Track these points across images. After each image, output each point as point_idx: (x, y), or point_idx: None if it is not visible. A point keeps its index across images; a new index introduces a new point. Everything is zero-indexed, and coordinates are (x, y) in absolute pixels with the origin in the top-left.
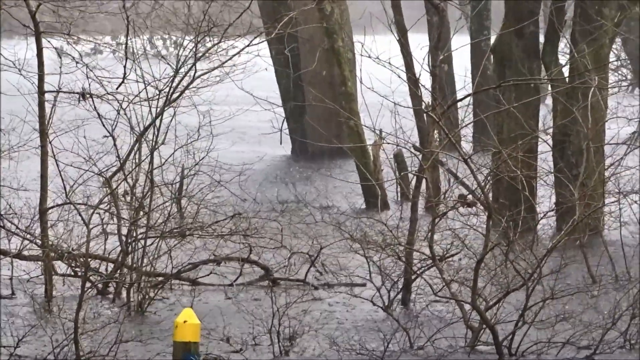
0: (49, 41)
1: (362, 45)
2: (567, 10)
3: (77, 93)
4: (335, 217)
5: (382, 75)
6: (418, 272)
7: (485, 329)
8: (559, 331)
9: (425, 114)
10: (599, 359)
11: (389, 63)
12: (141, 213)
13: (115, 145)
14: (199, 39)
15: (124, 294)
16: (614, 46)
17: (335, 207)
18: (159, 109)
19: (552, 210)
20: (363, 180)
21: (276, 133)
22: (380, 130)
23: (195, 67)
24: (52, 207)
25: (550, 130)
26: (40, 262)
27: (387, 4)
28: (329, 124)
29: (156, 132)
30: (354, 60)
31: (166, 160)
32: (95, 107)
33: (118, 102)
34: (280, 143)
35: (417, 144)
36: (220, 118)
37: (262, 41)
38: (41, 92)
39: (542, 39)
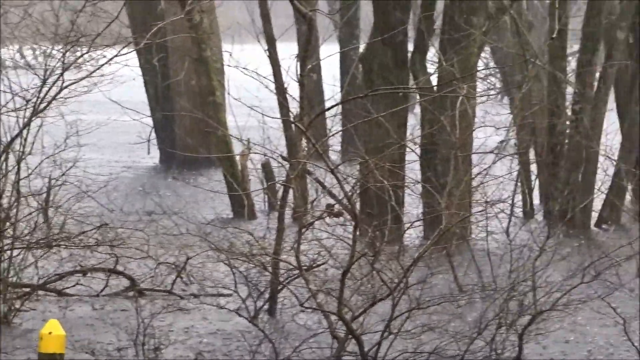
0: None
1: (230, 55)
2: (436, 19)
3: None
4: (202, 227)
5: (251, 85)
6: (284, 283)
7: (351, 339)
8: (425, 341)
9: (292, 124)
10: None
11: (257, 73)
12: (7, 224)
13: None
14: (67, 49)
15: None
16: (482, 55)
17: (203, 217)
18: (26, 119)
19: (419, 219)
20: (231, 190)
21: (144, 143)
22: (248, 140)
23: (63, 77)
24: None
25: (418, 140)
26: None
27: (256, 14)
28: (198, 133)
29: (23, 143)
30: (223, 70)
31: (33, 170)
32: None
33: None
34: (148, 153)
35: (285, 154)
36: (89, 128)
37: (131, 51)
38: None
39: (411, 48)
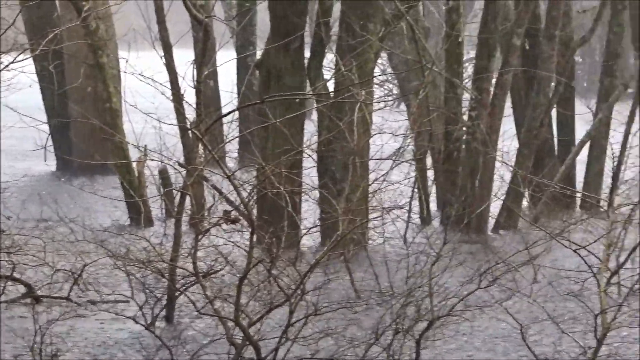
0: None
1: (127, 62)
2: (333, 25)
3: None
4: (99, 234)
5: (147, 92)
6: (181, 289)
7: (248, 346)
8: (322, 347)
9: (189, 130)
10: None
11: (153, 79)
12: None
13: None
14: None
15: None
16: (379, 61)
17: (99, 224)
18: None
19: (316, 226)
20: (127, 197)
21: (41, 150)
22: (145, 147)
23: None
24: None
25: (315, 146)
26: None
27: (153, 20)
28: (94, 140)
29: None
30: (119, 76)
31: None
32: None
33: None
34: (45, 160)
35: (182, 161)
36: None
37: (27, 57)
38: None
39: (308, 53)
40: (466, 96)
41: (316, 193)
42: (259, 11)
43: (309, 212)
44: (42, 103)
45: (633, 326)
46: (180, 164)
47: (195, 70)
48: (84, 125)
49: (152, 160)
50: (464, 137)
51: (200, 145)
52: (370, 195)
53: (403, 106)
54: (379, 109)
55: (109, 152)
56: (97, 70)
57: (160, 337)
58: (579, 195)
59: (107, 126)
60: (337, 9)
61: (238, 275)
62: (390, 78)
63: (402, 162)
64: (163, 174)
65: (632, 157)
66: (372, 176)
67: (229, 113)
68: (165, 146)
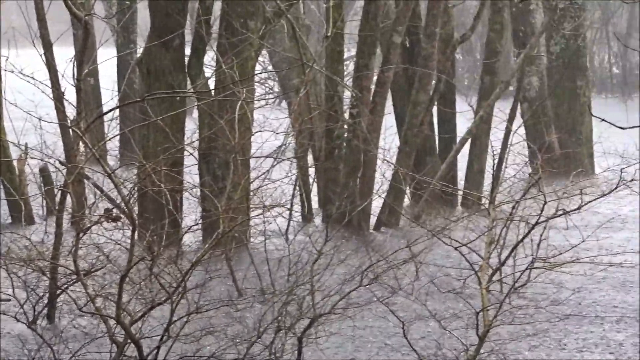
0: None
1: (7, 59)
2: (214, 23)
3: None
4: None
5: (27, 90)
6: (63, 287)
7: (130, 344)
8: (204, 345)
9: (69, 128)
10: None
11: (33, 77)
12: None
13: None
14: None
15: None
16: (260, 59)
17: None
18: None
19: (197, 224)
20: (8, 195)
21: None
22: (26, 145)
23: None
24: None
25: (197, 144)
26: None
27: (33, 18)
28: None
29: None
30: None
31: None
32: None
33: None
34: None
35: (63, 158)
36: None
37: None
38: None
39: (188, 51)
40: (347, 94)
41: (198, 191)
42: (139, 9)
43: (191, 210)
44: None
45: (514, 323)
46: (60, 162)
47: (75, 68)
48: None
49: (33, 158)
50: (345, 135)
51: (80, 143)
52: (252, 193)
53: (284, 104)
54: (260, 107)
55: None
56: None
57: (42, 336)
58: (460, 193)
59: None
60: (217, 7)
61: (119, 273)
62: (271, 76)
63: (283, 160)
64: (44, 172)
65: (512, 155)
66: (253, 174)
67: (110, 111)
68: (46, 144)
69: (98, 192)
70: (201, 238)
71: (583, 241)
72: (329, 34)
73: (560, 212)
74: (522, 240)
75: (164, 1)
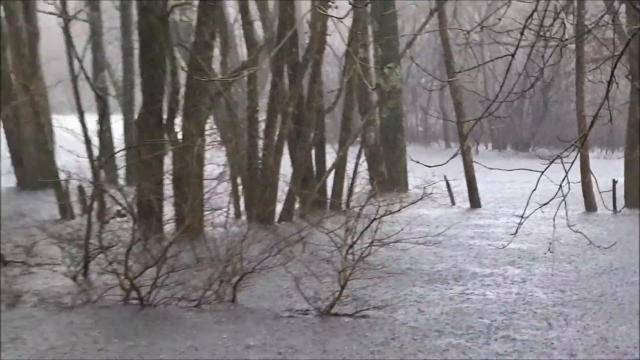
0: None
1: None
2: (180, 99)
3: None
4: None
5: (62, 138)
6: (92, 256)
7: (133, 290)
8: (178, 291)
9: (94, 162)
10: None
11: (73, 132)
12: None
13: None
14: None
15: None
16: (209, 121)
17: None
18: None
19: (172, 219)
20: (59, 201)
21: None
22: (69, 173)
23: None
24: None
25: (172, 171)
26: None
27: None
28: None
29: None
30: None
31: None
32: None
33: None
34: None
35: (91, 178)
36: None
37: None
38: None
39: (166, 116)
40: (261, 142)
41: (173, 199)
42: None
43: (168, 210)
44: None
45: (362, 278)
46: (90, 182)
47: (98, 126)
48: None
49: (73, 179)
50: (260, 166)
51: (102, 170)
52: (204, 200)
53: (224, 148)
54: (209, 149)
55: None
56: None
57: (80, 285)
58: (329, 200)
59: None
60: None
61: (126, 247)
62: (215, 130)
63: (223, 180)
64: (80, 188)
65: (359, 178)
66: (206, 189)
67: (119, 152)
68: (81, 169)
69: (113, 200)
70: (174, 227)
71: (402, 229)
72: (257, 109)
73: (388, 213)
74: (365, 229)
75: (151, 89)
